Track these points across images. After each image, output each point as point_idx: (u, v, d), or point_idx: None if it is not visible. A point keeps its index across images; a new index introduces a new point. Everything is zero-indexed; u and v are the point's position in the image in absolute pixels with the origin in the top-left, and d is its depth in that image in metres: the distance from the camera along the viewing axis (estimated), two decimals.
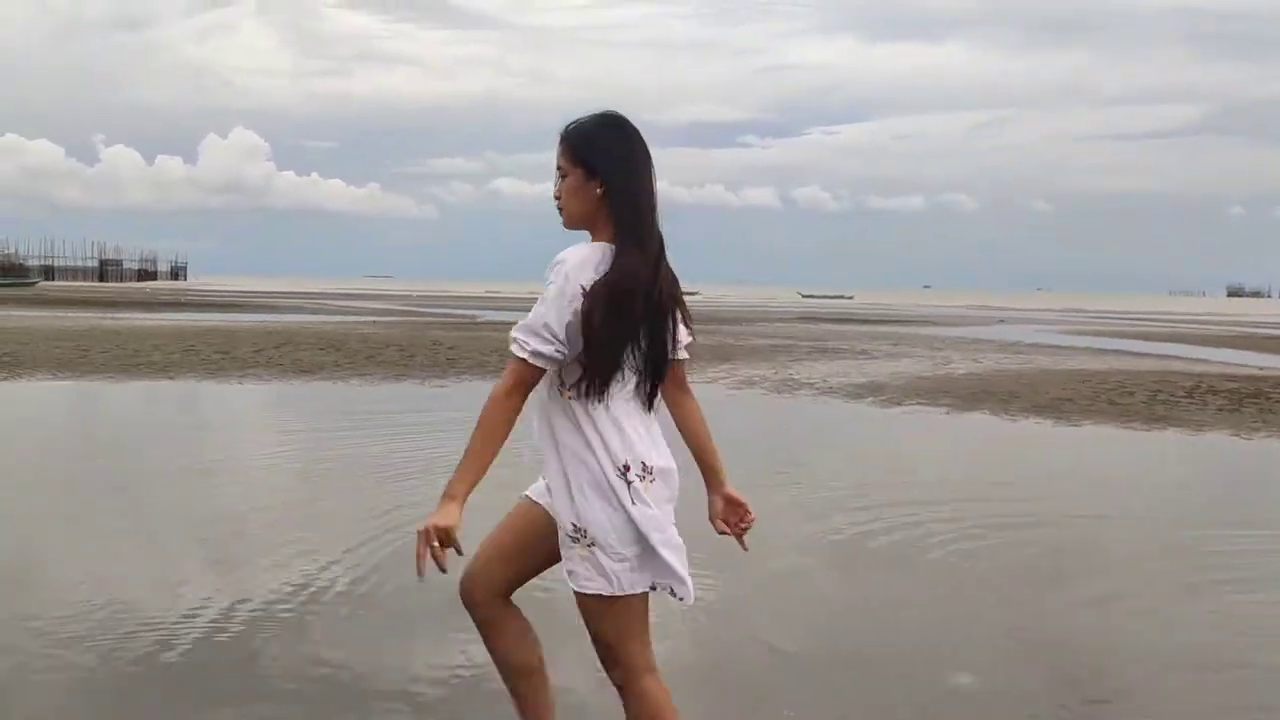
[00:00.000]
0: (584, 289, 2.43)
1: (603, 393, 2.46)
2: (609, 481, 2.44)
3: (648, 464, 2.47)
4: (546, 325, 2.42)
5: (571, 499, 2.47)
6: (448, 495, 2.42)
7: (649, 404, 2.55)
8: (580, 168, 2.51)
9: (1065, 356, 21.11)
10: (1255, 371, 17.78)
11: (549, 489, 2.55)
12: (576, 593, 2.51)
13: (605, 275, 2.44)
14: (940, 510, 6.83)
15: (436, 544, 2.37)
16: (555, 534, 2.54)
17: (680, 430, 2.75)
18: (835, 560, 5.72)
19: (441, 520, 2.38)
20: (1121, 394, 13.63)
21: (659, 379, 2.56)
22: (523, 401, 2.48)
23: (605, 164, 2.50)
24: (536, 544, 2.66)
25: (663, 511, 2.49)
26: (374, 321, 28.70)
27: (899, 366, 17.77)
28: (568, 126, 2.55)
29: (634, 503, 2.44)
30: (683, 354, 2.64)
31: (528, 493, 2.72)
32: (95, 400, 12.13)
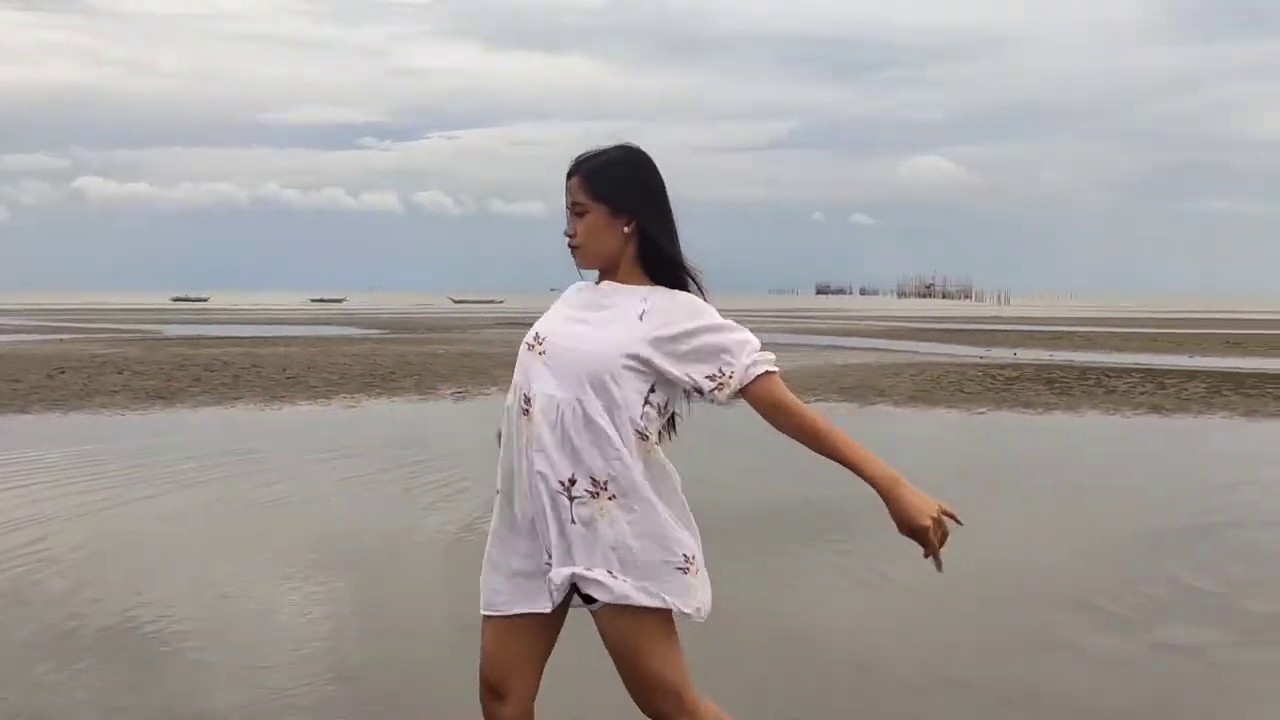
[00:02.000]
0: None
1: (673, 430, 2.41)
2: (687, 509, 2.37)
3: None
4: None
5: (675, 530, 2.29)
6: (898, 479, 2.23)
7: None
8: (604, 204, 2.33)
9: (831, 354, 22.89)
10: (978, 360, 20.33)
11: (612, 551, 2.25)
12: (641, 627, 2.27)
13: None
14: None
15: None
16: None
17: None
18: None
19: (936, 503, 2.21)
20: (926, 382, 15.14)
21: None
22: None
23: (636, 200, 2.35)
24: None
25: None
26: None
27: None
28: (581, 159, 2.38)
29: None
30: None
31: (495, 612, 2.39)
32: None
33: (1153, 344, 26.83)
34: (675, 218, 2.40)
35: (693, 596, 2.26)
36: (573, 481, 2.21)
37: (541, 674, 2.39)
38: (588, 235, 2.33)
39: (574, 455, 2.21)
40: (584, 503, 2.21)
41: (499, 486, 2.35)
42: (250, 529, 6.47)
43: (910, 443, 10.43)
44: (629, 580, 2.20)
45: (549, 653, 2.40)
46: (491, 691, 2.35)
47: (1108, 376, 16.22)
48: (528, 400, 2.25)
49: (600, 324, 2.27)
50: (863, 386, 14.74)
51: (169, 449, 9.29)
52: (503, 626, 2.33)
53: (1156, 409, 12.45)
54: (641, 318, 2.26)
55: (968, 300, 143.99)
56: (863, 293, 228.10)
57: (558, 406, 2.22)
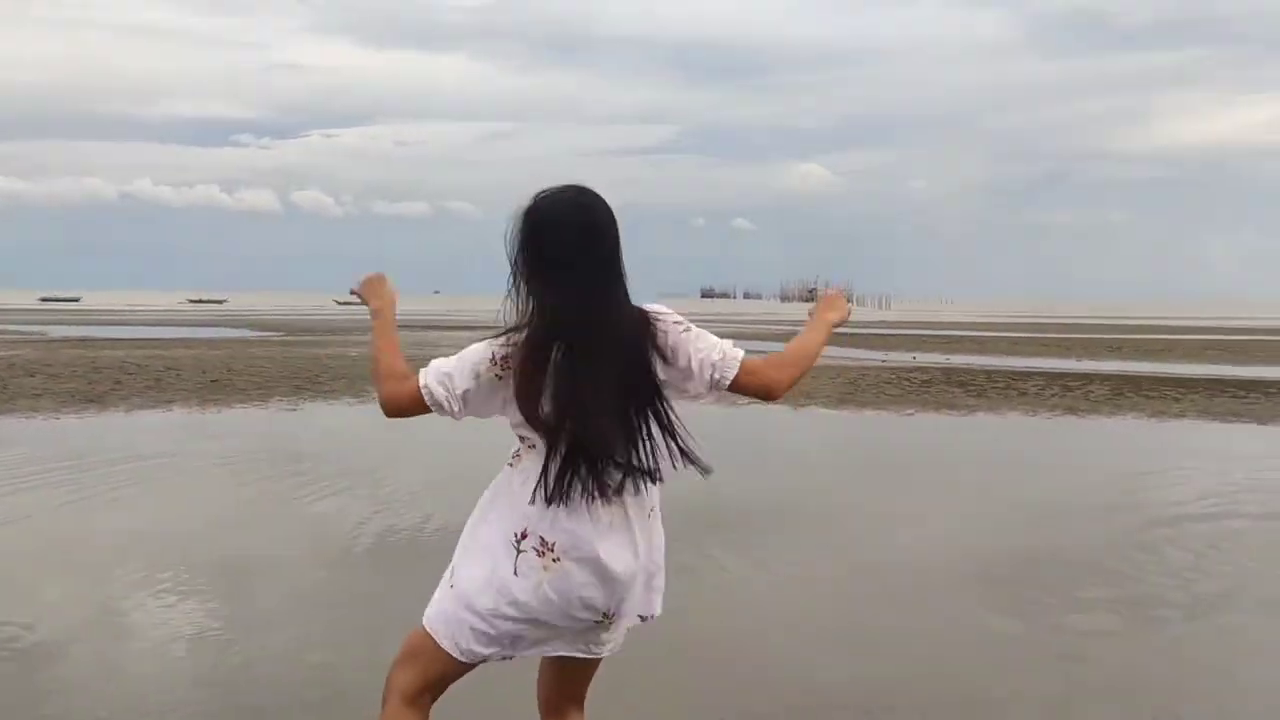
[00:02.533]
0: None
1: None
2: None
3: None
4: None
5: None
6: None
7: None
8: None
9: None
10: (882, 364, 21.10)
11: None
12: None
13: None
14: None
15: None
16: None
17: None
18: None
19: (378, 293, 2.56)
20: (845, 385, 15.74)
21: None
22: None
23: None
24: None
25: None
26: None
27: None
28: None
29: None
30: None
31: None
32: None
33: (1043, 349, 28.14)
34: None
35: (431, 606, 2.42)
36: None
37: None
38: None
39: None
40: None
41: None
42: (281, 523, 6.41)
43: (862, 444, 10.86)
44: None
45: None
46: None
47: (1014, 380, 17.05)
48: None
49: None
50: None
51: (169, 452, 9.04)
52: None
53: (1072, 410, 13.19)
54: None
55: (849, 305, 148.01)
56: (746, 296, 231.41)
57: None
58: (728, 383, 2.38)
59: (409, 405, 2.35)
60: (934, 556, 5.97)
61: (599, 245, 2.38)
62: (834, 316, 2.55)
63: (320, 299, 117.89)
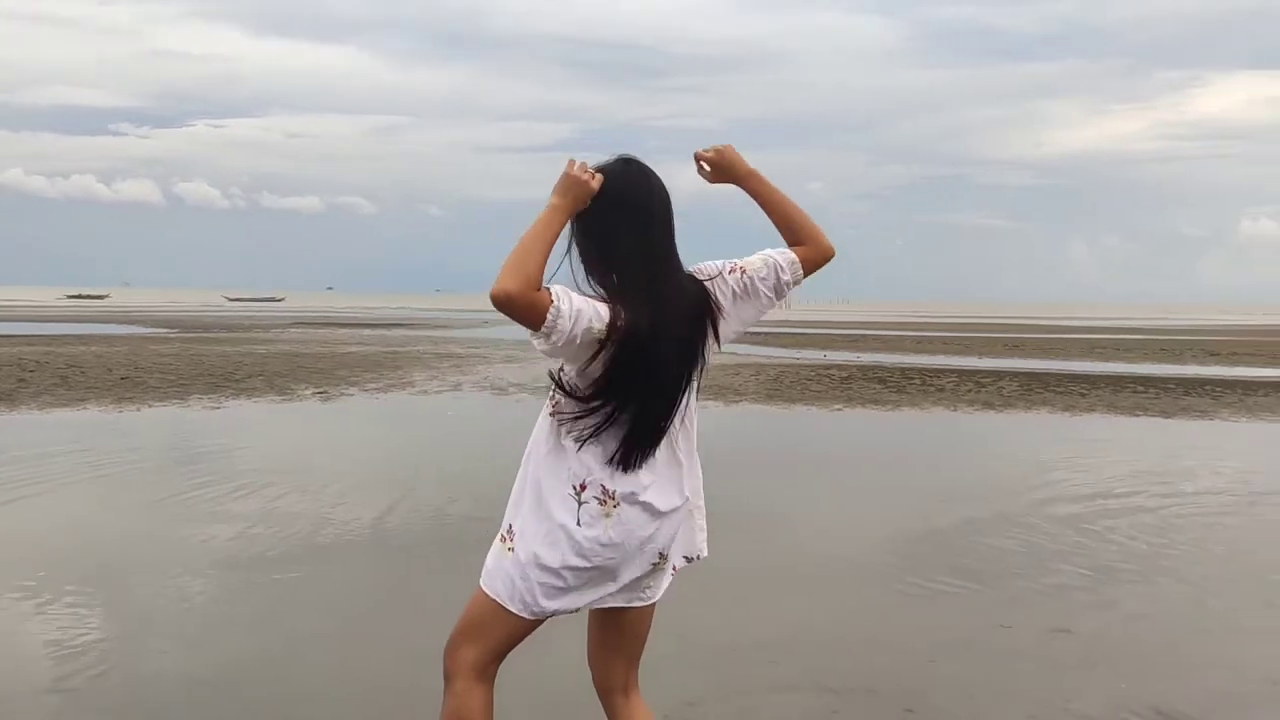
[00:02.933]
0: None
1: None
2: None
3: None
4: None
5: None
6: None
7: None
8: None
9: None
10: (797, 360, 21.59)
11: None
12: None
13: None
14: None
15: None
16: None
17: None
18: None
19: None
20: (768, 381, 16.05)
21: None
22: None
23: None
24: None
25: None
26: None
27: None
28: None
29: None
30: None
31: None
32: None
33: (946, 347, 28.98)
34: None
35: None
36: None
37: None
38: None
39: None
40: None
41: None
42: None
43: (805, 439, 11.05)
44: None
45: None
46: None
47: (928, 376, 17.55)
48: None
49: None
50: (715, 386, 15.33)
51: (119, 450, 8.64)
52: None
53: (989, 405, 13.65)
54: None
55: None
56: None
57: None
58: (800, 278, 2.56)
59: (523, 310, 2.22)
60: (887, 541, 6.14)
61: (669, 215, 2.44)
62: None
63: (208, 295, 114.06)
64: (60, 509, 6.75)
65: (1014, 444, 10.84)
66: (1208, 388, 16.18)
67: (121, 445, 9.26)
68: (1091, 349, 28.47)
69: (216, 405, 12.28)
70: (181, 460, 8.69)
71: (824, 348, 27.56)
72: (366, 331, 34.13)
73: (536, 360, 19.97)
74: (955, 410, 13.16)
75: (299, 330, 34.44)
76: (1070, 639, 4.53)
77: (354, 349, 23.09)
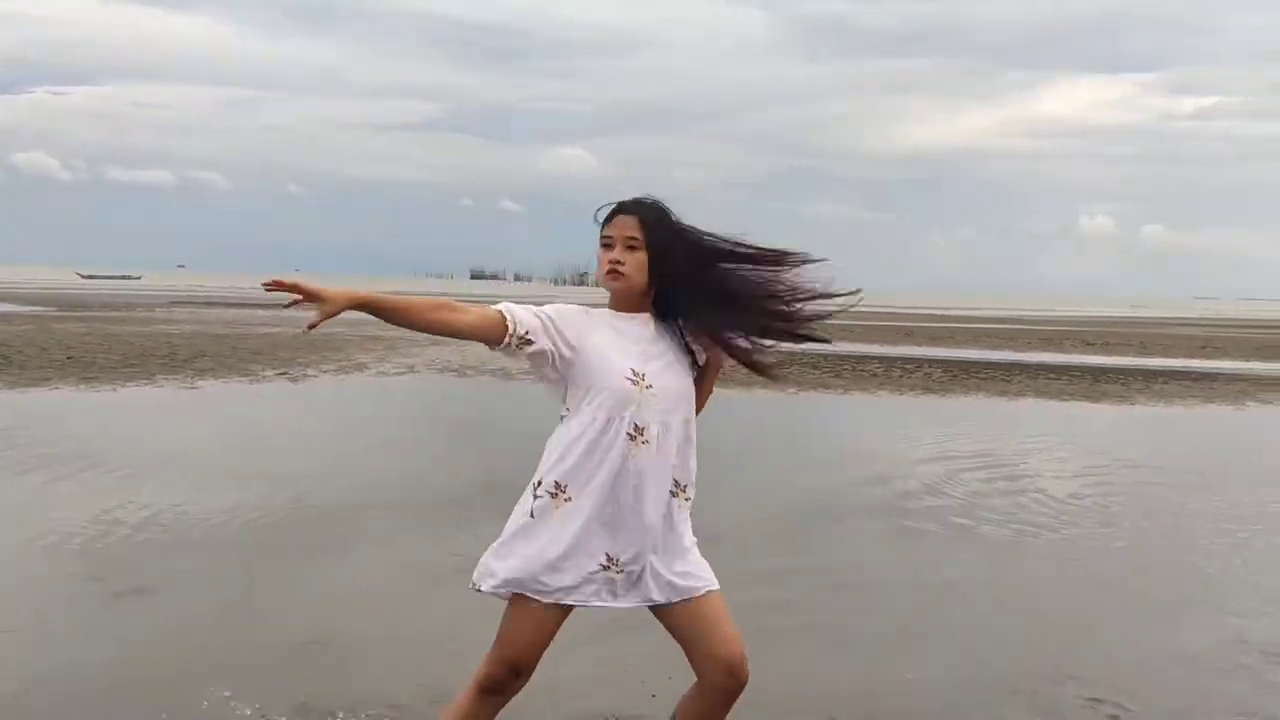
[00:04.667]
0: None
1: None
2: None
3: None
4: None
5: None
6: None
7: None
8: (652, 249, 2.68)
9: None
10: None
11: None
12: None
13: None
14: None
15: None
16: None
17: None
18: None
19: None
20: (737, 367, 16.58)
21: None
22: None
23: (674, 258, 2.70)
24: None
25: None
26: None
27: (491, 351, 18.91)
28: (640, 201, 2.71)
29: None
30: None
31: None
32: None
33: (842, 334, 30.16)
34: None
35: None
36: (681, 487, 2.70)
37: None
38: (635, 270, 2.66)
39: (680, 466, 2.67)
40: (683, 504, 2.69)
41: (567, 495, 2.62)
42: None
43: (770, 421, 11.63)
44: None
45: None
46: (514, 671, 2.66)
47: (856, 363, 18.41)
48: (638, 428, 2.60)
49: (674, 364, 2.69)
50: None
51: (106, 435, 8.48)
52: (552, 614, 2.65)
53: (929, 390, 14.57)
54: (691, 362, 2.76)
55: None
56: (517, 279, 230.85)
57: (669, 429, 2.65)
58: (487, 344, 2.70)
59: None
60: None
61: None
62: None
63: (58, 272, 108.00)
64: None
65: (1001, 426, 11.64)
66: (1113, 375, 17.58)
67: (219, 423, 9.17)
68: (977, 338, 30.11)
69: (191, 385, 12.12)
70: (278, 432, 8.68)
71: None
72: (260, 312, 33.22)
73: (466, 344, 20.03)
74: (902, 394, 14.01)
75: (184, 310, 33.32)
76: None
77: (270, 330, 22.60)
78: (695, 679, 2.70)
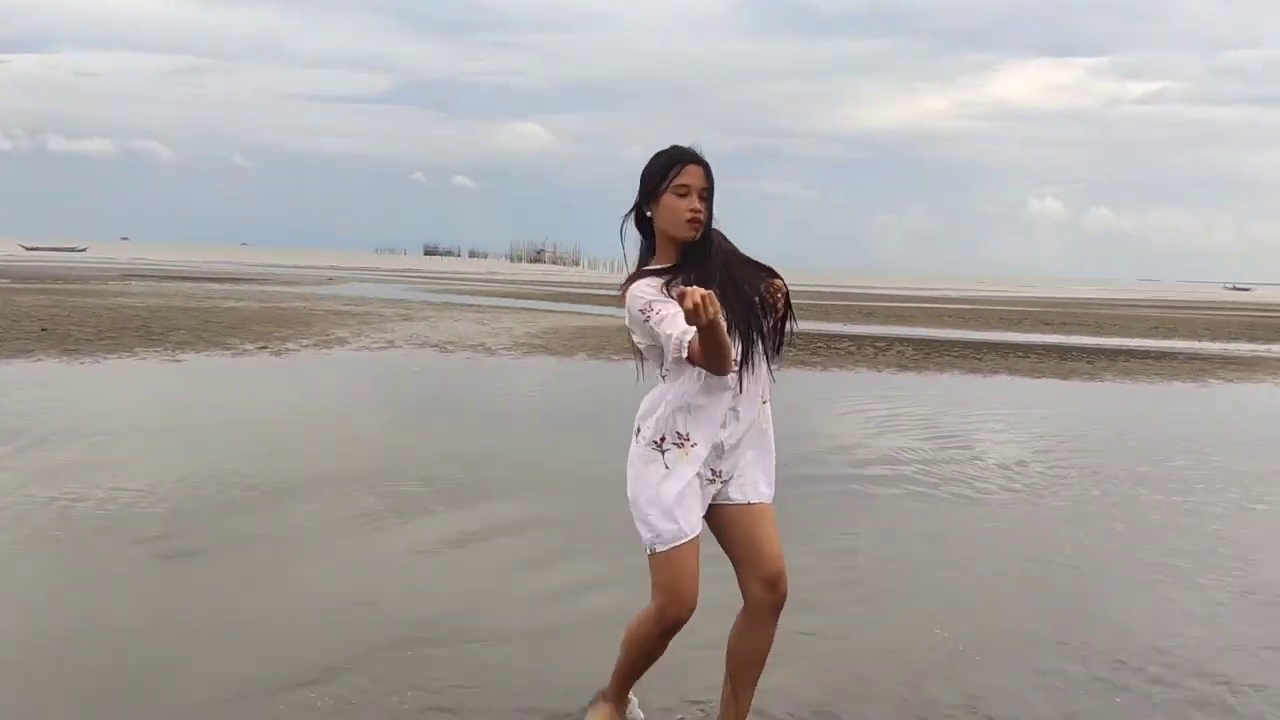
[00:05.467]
0: None
1: None
2: None
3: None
4: None
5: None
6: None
7: None
8: (710, 205, 2.82)
9: (534, 316, 23.93)
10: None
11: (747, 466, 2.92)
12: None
13: None
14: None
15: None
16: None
17: None
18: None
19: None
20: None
21: None
22: None
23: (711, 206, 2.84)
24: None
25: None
26: None
27: (503, 325, 18.97)
28: (701, 153, 2.83)
29: None
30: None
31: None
32: None
33: (803, 313, 30.20)
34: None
35: None
36: (764, 401, 2.93)
37: None
38: (706, 221, 2.81)
39: (765, 387, 2.90)
40: (764, 411, 2.93)
41: (692, 441, 2.80)
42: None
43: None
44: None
45: None
46: (690, 607, 2.84)
47: (827, 341, 18.71)
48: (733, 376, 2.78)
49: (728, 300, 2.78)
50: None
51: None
52: (696, 544, 2.83)
53: (904, 368, 14.84)
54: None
55: (578, 267, 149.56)
56: (472, 255, 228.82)
57: (752, 368, 2.84)
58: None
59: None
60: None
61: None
62: None
63: (0, 243, 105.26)
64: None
65: (987, 401, 11.92)
66: (1076, 354, 18.02)
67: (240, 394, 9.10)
68: (939, 317, 30.57)
69: (173, 358, 12.03)
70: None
71: None
72: (214, 286, 32.78)
73: (441, 321, 20.05)
74: (880, 371, 14.27)
75: (140, 284, 32.71)
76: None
77: (235, 305, 22.40)
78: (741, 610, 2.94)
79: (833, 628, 4.13)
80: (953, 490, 6.86)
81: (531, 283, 51.43)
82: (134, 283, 32.49)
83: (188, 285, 32.47)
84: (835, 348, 17.36)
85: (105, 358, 11.73)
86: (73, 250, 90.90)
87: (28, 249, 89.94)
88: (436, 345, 15.13)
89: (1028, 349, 18.78)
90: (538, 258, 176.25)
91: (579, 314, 25.11)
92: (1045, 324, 28.49)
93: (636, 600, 3.03)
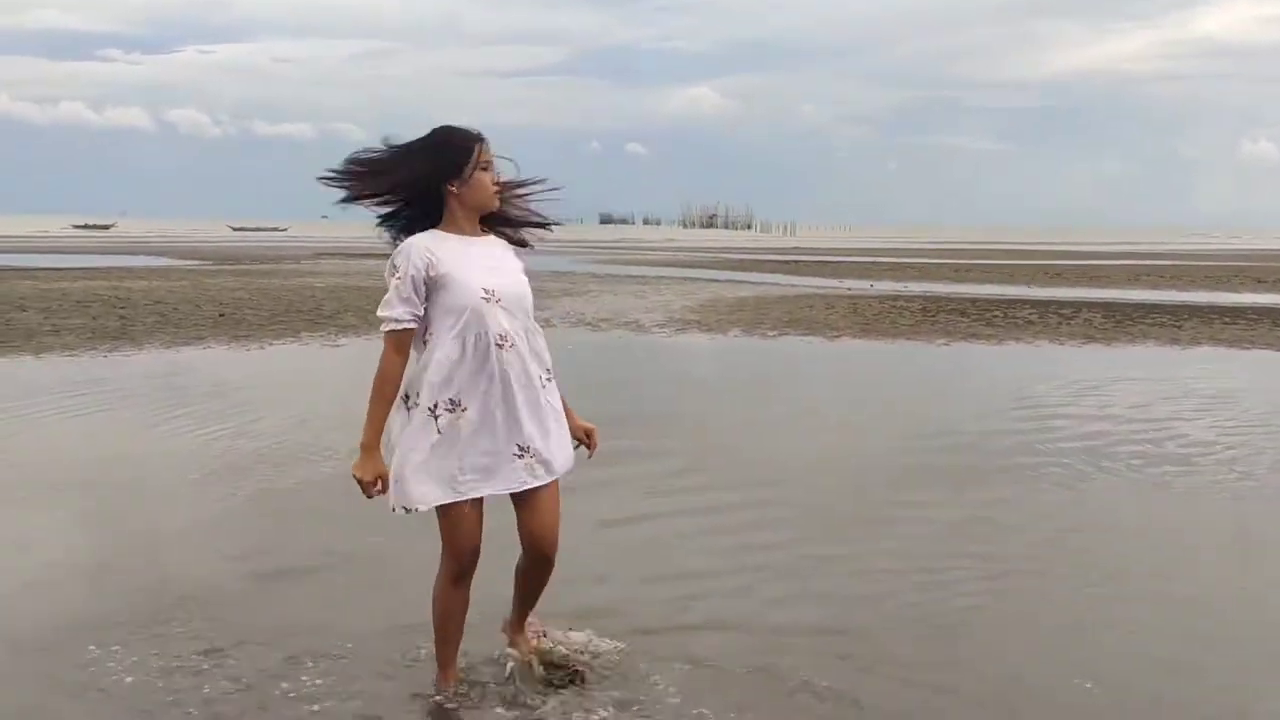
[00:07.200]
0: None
1: None
2: None
3: None
4: None
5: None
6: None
7: None
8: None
9: (694, 287, 23.51)
10: (850, 292, 21.54)
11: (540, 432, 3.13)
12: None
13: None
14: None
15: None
16: None
17: None
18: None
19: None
20: (847, 314, 16.06)
21: None
22: None
23: None
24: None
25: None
26: None
27: (662, 298, 18.87)
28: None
29: None
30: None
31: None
32: None
33: (987, 275, 28.84)
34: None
35: None
36: (547, 374, 3.15)
37: None
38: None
39: (538, 358, 3.11)
40: (550, 387, 3.15)
41: (446, 406, 3.00)
42: None
43: (938, 375, 11.08)
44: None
45: None
46: (473, 563, 3.15)
47: (1006, 308, 17.52)
48: (502, 337, 3.03)
49: (513, 273, 3.14)
50: (796, 320, 15.31)
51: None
52: (477, 506, 3.09)
53: (1090, 338, 13.68)
54: (521, 267, 3.23)
55: (750, 231, 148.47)
56: (646, 223, 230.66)
57: (522, 332, 3.08)
58: None
59: None
60: None
61: None
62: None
63: (210, 225, 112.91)
64: None
65: (1189, 379, 10.82)
66: None
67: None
68: (1135, 276, 28.39)
69: (333, 343, 12.29)
70: None
71: (864, 277, 27.43)
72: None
73: (603, 293, 19.97)
74: (1063, 344, 13.18)
75: (329, 262, 34.10)
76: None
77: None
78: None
79: None
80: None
81: (699, 250, 51.10)
82: (323, 262, 33.86)
83: (371, 262, 33.58)
84: (1014, 316, 16.23)
85: (271, 344, 12.07)
86: (275, 230, 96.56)
87: (234, 229, 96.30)
88: (590, 323, 14.94)
89: (1236, 313, 17.05)
90: (710, 222, 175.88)
91: (742, 283, 24.58)
92: (1259, 281, 26.00)
93: None
